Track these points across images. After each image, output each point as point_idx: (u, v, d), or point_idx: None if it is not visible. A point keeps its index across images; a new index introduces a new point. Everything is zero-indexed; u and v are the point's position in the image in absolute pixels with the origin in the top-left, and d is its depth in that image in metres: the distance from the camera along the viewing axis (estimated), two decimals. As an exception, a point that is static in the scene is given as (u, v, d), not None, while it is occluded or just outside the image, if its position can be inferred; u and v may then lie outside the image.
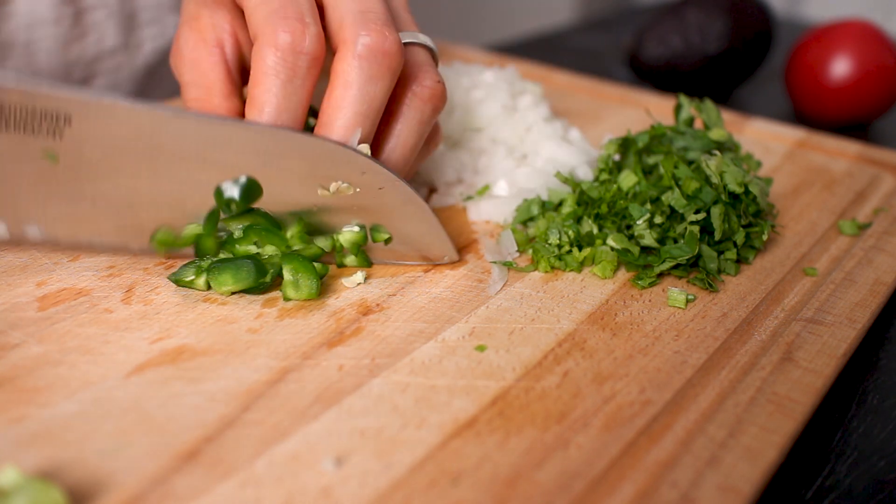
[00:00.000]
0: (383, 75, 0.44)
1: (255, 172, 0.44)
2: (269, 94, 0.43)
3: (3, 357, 0.39)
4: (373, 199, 0.46)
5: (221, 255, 0.46)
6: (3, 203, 0.43)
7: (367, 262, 0.48)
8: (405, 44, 0.48)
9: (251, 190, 0.44)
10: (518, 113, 0.61)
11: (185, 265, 0.45)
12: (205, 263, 0.45)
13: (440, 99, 0.48)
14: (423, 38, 0.50)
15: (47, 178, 0.43)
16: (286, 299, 0.44)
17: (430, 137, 0.52)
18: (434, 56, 0.51)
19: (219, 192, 0.44)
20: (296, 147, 0.43)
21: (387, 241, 0.48)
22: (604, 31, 1.12)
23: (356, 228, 0.47)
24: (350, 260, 0.48)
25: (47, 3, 0.67)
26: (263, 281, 0.44)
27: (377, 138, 0.48)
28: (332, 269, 0.48)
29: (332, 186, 0.45)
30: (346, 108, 0.44)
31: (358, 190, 0.45)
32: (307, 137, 0.44)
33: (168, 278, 0.45)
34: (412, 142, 0.48)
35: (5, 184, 0.43)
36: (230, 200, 0.44)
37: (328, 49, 0.46)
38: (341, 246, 0.47)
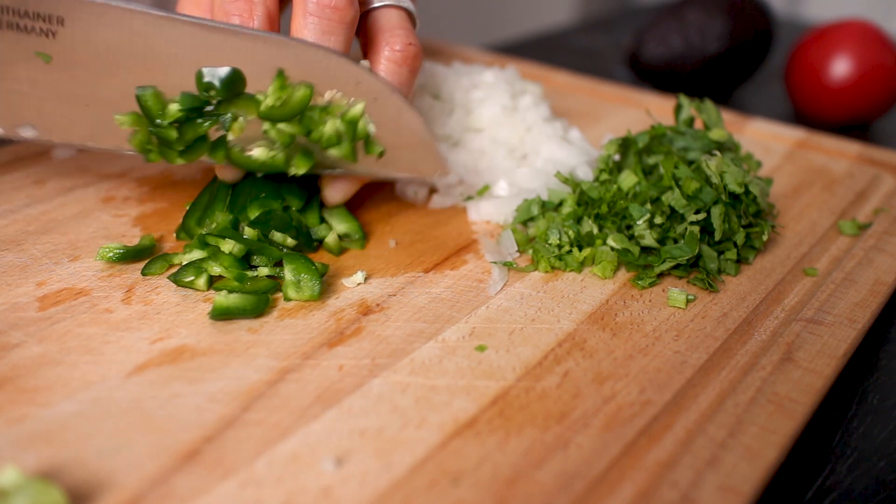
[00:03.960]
0: (334, 29, 0.46)
1: (249, 78, 0.44)
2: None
3: (3, 357, 0.39)
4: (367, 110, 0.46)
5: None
6: None
7: (352, 156, 0.47)
8: (380, 7, 0.49)
9: (234, 80, 0.44)
10: (518, 113, 0.61)
11: (185, 266, 0.45)
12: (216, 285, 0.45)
13: (414, 60, 0.49)
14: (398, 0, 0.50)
15: (41, 78, 0.43)
16: (287, 300, 0.44)
17: None
18: (412, 18, 0.51)
19: (199, 76, 0.43)
20: (291, 55, 0.44)
21: (380, 155, 0.47)
22: (604, 31, 1.12)
23: (361, 103, 0.45)
24: (335, 150, 0.46)
25: None
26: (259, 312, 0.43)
27: None
28: (333, 268, 0.48)
29: (327, 95, 0.45)
30: None
31: (352, 100, 0.45)
32: (305, 46, 0.44)
33: (168, 278, 0.45)
34: None
35: (0, 83, 0.43)
36: (209, 86, 0.44)
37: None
38: (333, 134, 0.46)
